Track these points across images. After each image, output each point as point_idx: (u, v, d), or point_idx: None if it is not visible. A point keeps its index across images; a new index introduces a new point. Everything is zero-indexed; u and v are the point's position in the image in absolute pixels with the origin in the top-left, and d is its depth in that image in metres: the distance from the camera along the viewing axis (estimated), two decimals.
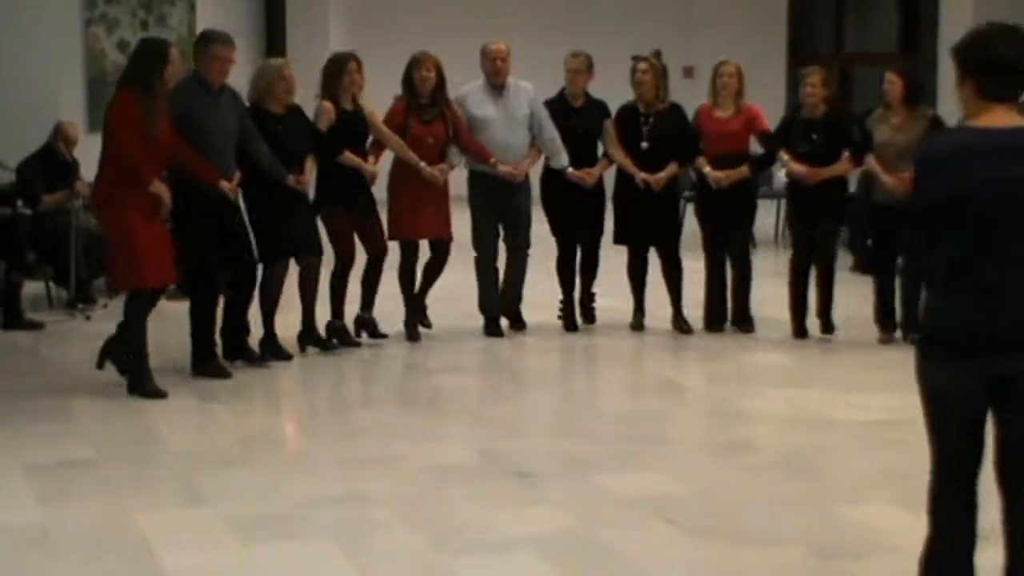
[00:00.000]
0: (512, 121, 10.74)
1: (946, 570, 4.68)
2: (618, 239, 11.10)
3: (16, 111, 13.68)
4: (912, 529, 6.28)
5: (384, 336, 10.61)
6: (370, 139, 10.47)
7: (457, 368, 10.08)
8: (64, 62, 14.95)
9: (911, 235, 4.59)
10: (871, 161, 10.45)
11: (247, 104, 9.81)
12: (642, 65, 10.86)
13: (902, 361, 9.83)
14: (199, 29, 16.86)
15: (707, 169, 10.79)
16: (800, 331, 10.83)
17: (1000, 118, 4.48)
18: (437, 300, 11.00)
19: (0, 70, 14.12)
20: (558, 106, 10.93)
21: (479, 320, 11.07)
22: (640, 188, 10.75)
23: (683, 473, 7.27)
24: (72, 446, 7.84)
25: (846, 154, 10.60)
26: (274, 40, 19.18)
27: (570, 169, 10.79)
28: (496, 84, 10.77)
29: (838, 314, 10.97)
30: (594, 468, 7.34)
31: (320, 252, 10.14)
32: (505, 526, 6.40)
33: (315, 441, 8.17)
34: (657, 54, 11.01)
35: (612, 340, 10.90)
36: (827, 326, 10.90)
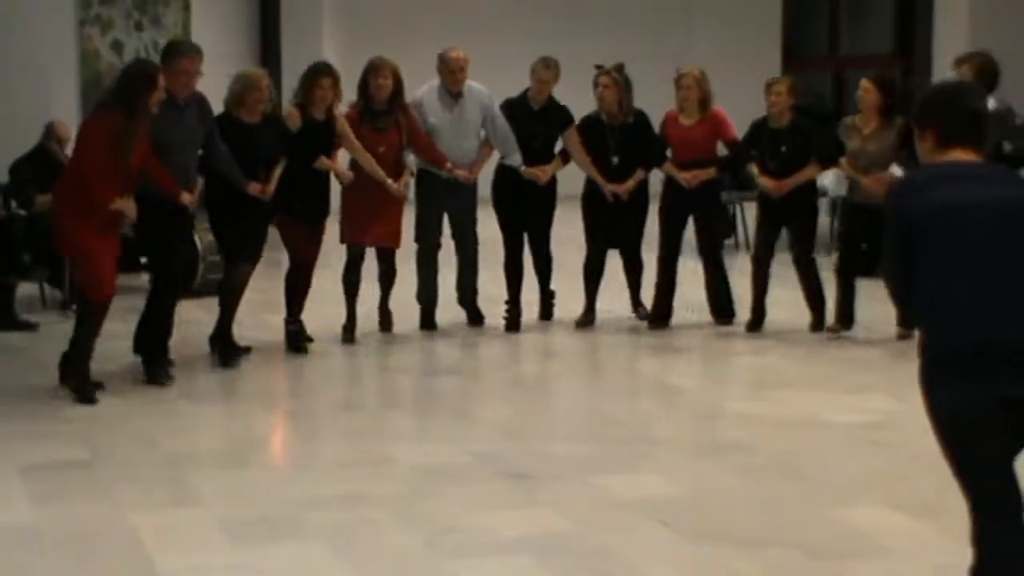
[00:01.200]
0: (462, 127, 10.81)
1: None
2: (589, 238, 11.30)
3: (9, 112, 13.70)
4: (903, 531, 6.32)
5: (310, 340, 10.56)
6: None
7: (450, 370, 10.09)
8: (58, 63, 14.97)
9: (896, 270, 4.78)
10: (845, 164, 10.57)
11: (221, 107, 9.82)
12: (604, 79, 10.87)
13: (893, 363, 9.94)
14: (194, 30, 16.96)
15: (677, 173, 10.92)
16: (757, 323, 11.07)
17: (961, 156, 4.80)
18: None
19: None
20: (518, 108, 11.00)
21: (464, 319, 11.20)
22: (610, 200, 10.92)
23: (677, 475, 7.28)
24: (66, 447, 7.83)
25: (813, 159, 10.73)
26: (268, 39, 19.19)
27: (523, 167, 10.88)
28: (454, 93, 10.80)
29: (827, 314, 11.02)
30: (589, 470, 7.34)
31: (257, 260, 10.14)
32: (500, 528, 6.39)
33: (309, 442, 8.18)
34: (620, 67, 10.98)
35: (605, 342, 10.91)
36: (818, 323, 11.06)
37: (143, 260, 12.82)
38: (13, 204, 11.89)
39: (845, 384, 9.39)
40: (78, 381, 8.91)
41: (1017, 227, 4.65)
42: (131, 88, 8.68)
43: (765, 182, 10.77)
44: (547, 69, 10.95)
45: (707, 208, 11.14)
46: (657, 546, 6.22)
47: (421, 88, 10.90)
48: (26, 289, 12.05)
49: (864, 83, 10.45)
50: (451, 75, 10.73)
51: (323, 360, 10.19)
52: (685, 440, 8.29)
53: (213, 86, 9.33)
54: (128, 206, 8.81)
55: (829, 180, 12.00)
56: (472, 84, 10.88)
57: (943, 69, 16.58)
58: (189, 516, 6.63)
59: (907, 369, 9.57)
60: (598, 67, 11.04)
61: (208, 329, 10.06)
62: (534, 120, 10.96)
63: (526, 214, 11.11)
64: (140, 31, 16.17)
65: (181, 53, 9.40)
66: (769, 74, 21.48)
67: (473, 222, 11.08)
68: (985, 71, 9.60)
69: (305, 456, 7.83)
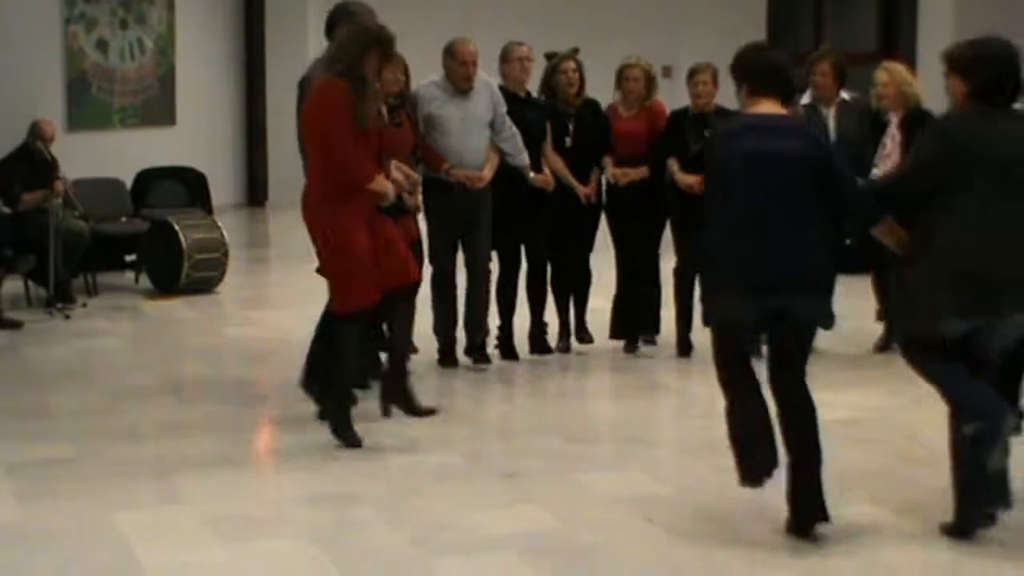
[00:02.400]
0: (472, 123, 9.53)
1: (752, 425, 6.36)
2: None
3: None
4: (889, 527, 6.34)
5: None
6: None
7: (436, 369, 10.04)
8: (43, 61, 14.93)
9: (711, 196, 6.24)
10: None
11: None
12: (571, 64, 10.07)
13: (877, 361, 9.94)
14: (178, 28, 16.92)
15: (609, 168, 10.12)
16: (688, 346, 10.15)
17: (766, 108, 6.14)
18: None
19: None
20: (505, 97, 9.78)
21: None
22: (584, 202, 9.98)
23: (665, 473, 7.28)
24: (51, 445, 7.81)
25: None
26: (253, 38, 19.15)
27: (532, 174, 9.75)
28: (464, 89, 9.53)
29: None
30: (577, 468, 7.34)
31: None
32: (488, 526, 6.40)
33: (296, 441, 8.14)
34: (577, 50, 10.29)
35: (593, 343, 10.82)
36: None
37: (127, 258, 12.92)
38: None
39: (825, 381, 9.30)
40: (338, 423, 7.77)
41: (802, 176, 5.96)
42: (349, 52, 7.75)
43: (687, 180, 9.75)
44: (520, 46, 10.00)
45: (648, 211, 10.12)
46: (643, 544, 6.23)
47: (421, 82, 9.63)
48: (11, 288, 12.01)
49: None
50: (463, 69, 9.48)
51: None
52: (671, 438, 8.31)
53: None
54: (384, 185, 7.79)
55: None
56: (480, 74, 9.65)
57: (927, 66, 16.63)
58: (175, 514, 6.62)
59: (887, 367, 9.65)
60: (550, 55, 10.29)
61: (197, 327, 10.02)
62: (524, 108, 9.89)
63: (524, 228, 9.97)
64: (125, 29, 16.13)
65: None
66: None
67: (489, 241, 9.73)
68: (837, 66, 10.41)
69: (292, 454, 7.81)
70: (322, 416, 7.97)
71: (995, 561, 5.99)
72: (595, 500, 6.82)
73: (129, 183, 13.92)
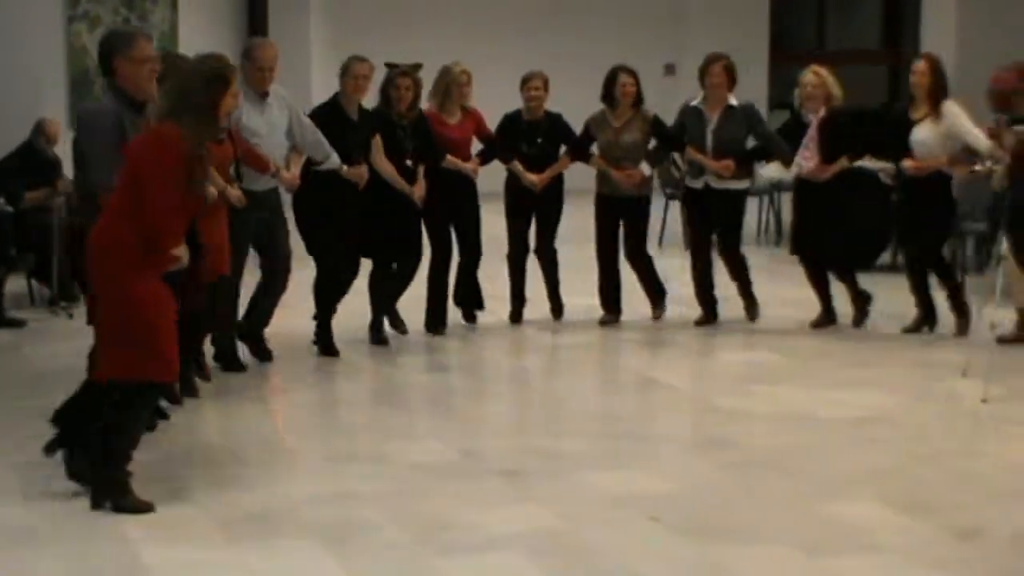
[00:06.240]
0: (276, 132, 9.54)
1: None
2: (367, 253, 10.47)
3: None
4: (896, 527, 6.34)
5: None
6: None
7: (440, 367, 10.07)
8: (46, 60, 14.92)
9: None
10: (599, 160, 11.04)
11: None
12: (407, 81, 10.33)
13: (885, 359, 9.96)
14: (181, 27, 16.92)
15: (461, 164, 10.77)
16: (516, 316, 11.35)
17: None
18: (418, 299, 10.94)
19: None
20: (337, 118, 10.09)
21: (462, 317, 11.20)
22: (417, 205, 10.49)
23: (668, 471, 7.29)
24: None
25: (563, 152, 11.13)
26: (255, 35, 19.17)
27: (345, 167, 9.91)
28: (260, 92, 9.50)
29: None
30: (579, 466, 7.35)
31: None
32: (490, 524, 6.40)
33: (301, 439, 8.16)
34: (418, 66, 10.57)
35: (591, 338, 10.89)
36: (558, 310, 11.48)
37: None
38: (1, 200, 11.86)
39: (834, 379, 9.40)
40: (118, 492, 6.67)
41: None
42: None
43: (529, 178, 11.03)
44: (365, 62, 10.17)
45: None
46: (648, 542, 6.23)
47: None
48: (14, 287, 12.03)
49: (626, 78, 10.87)
50: (259, 72, 9.47)
51: (317, 357, 10.16)
52: (676, 436, 8.31)
53: None
54: (183, 253, 6.89)
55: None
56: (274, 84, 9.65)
57: None
58: (182, 514, 6.62)
59: (897, 363, 9.64)
60: (391, 65, 10.51)
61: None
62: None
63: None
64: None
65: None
66: (758, 68, 21.55)
67: (285, 240, 9.89)
68: (730, 71, 10.93)
69: (298, 453, 7.83)
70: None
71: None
72: (597, 498, 6.81)
73: None
